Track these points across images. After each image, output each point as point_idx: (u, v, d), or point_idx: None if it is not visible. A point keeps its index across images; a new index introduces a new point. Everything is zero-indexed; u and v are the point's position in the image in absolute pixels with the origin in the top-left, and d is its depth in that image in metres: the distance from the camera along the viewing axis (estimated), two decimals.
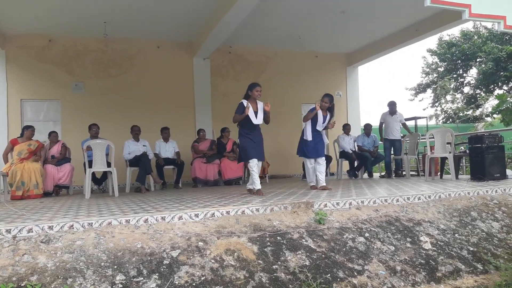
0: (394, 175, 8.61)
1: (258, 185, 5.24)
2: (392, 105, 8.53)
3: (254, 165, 5.25)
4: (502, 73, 19.34)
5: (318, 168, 5.87)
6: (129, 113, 9.17)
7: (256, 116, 5.30)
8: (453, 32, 23.44)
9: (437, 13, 8.39)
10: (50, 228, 3.19)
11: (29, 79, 8.89)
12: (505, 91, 20.64)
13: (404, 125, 8.59)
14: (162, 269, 2.90)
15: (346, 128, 9.15)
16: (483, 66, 20.04)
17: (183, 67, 9.93)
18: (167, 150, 8.00)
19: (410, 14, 8.68)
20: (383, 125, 8.61)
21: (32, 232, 3.13)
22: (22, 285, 2.58)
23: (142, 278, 2.79)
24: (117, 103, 9.32)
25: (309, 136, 5.84)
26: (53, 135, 7.27)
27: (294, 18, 8.69)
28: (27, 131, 6.88)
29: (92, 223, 3.31)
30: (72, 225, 3.25)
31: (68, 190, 7.25)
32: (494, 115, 17.93)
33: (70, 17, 8.05)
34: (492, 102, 19.03)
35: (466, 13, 5.37)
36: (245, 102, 5.29)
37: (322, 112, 5.84)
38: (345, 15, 8.54)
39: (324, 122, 5.86)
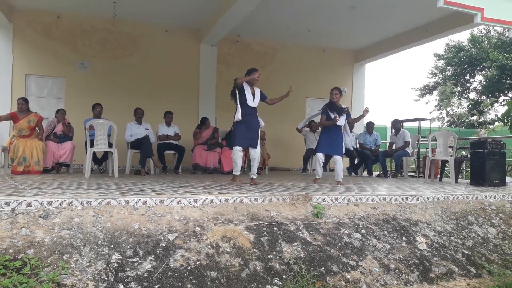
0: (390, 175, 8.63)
1: (236, 171, 5.33)
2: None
3: (236, 152, 5.23)
4: (507, 80, 19.22)
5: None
6: (133, 96, 9.17)
7: (253, 98, 5.30)
8: (459, 38, 23.30)
9: (448, 15, 8.33)
10: (49, 203, 3.20)
11: (35, 54, 8.87)
12: (510, 98, 20.54)
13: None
14: (158, 251, 2.91)
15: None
16: (489, 72, 19.91)
17: (189, 53, 9.89)
18: (169, 134, 8.00)
19: (421, 14, 8.62)
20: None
21: (31, 206, 3.14)
22: (19, 257, 2.59)
23: (137, 259, 2.80)
24: (121, 84, 9.30)
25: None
26: (61, 112, 7.22)
27: (303, 11, 8.64)
28: (18, 104, 6.60)
29: (91, 201, 3.32)
30: (71, 202, 3.26)
31: (68, 168, 7.27)
32: (496, 122, 17.83)
33: None
34: (496, 108, 18.92)
35: (479, 17, 5.35)
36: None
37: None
38: (355, 11, 8.49)
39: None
